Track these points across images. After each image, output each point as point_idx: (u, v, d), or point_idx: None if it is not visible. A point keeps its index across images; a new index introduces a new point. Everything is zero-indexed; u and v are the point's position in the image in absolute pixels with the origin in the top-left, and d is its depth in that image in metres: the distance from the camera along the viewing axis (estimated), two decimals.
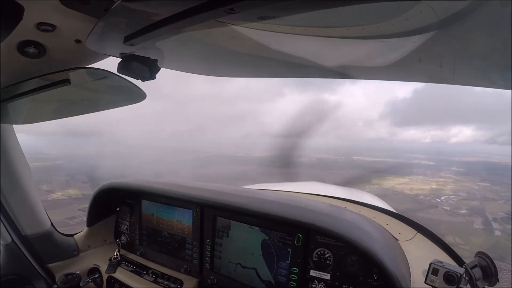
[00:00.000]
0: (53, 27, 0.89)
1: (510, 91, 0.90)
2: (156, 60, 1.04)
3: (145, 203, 2.23)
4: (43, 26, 0.88)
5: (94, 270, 2.26)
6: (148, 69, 1.04)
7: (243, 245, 1.79)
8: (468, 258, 1.37)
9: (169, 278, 2.04)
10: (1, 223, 1.88)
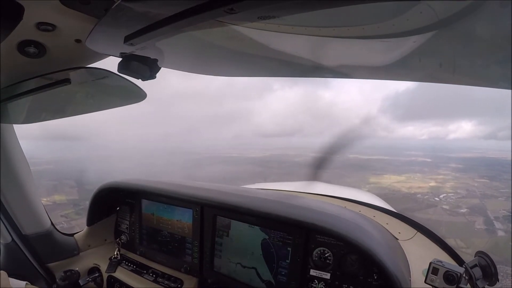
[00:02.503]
0: (53, 27, 0.89)
1: (510, 91, 0.90)
2: (156, 60, 1.04)
3: (145, 203, 2.24)
4: (43, 26, 0.88)
5: (94, 269, 2.26)
6: (149, 69, 1.04)
7: (243, 244, 1.79)
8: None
9: (169, 277, 2.04)
10: (1, 223, 1.88)
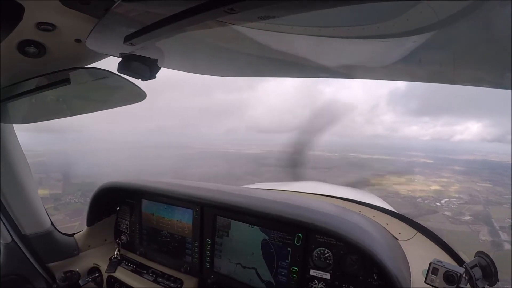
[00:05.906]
0: (53, 26, 0.89)
1: (510, 91, 0.90)
2: (156, 60, 1.04)
3: (145, 203, 2.24)
4: (43, 26, 0.88)
5: (94, 269, 2.26)
6: (149, 69, 1.04)
7: (243, 244, 1.79)
8: None
9: (169, 277, 2.04)
10: (1, 223, 1.88)
